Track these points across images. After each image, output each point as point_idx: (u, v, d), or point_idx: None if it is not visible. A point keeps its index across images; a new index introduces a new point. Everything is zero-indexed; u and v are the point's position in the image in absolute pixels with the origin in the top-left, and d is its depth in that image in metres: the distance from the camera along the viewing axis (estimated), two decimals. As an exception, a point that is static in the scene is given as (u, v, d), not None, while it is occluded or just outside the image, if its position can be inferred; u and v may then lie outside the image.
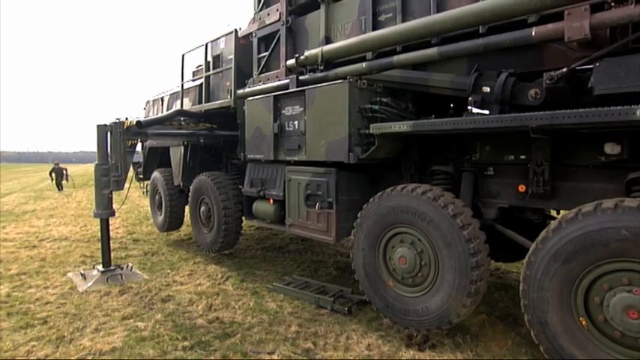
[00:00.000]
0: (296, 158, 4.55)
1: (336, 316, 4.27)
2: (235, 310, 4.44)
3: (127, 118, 5.70)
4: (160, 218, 8.03)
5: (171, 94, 8.22)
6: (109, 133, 5.60)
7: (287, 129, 4.65)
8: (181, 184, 7.25)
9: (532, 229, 3.51)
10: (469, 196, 3.63)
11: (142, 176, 9.03)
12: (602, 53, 2.81)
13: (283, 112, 4.70)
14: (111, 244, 5.95)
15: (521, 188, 3.43)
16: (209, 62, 6.73)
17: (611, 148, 2.97)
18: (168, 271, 5.94)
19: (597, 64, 2.80)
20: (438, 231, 3.30)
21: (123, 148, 5.58)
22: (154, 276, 5.68)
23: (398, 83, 4.08)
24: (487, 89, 3.43)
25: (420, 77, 3.89)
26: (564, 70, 2.94)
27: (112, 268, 5.57)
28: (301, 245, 7.43)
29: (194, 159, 7.06)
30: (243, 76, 6.03)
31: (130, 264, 6.01)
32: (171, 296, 4.86)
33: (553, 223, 2.78)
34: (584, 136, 3.10)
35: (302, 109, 4.42)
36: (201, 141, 6.61)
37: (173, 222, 7.80)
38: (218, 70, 6.43)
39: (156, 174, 8.16)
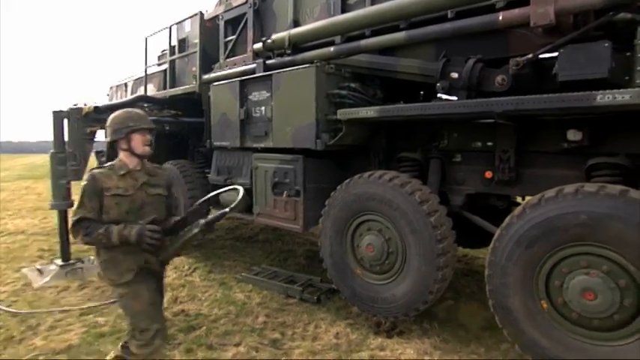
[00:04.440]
0: (263, 145, 4.42)
1: (304, 306, 4.22)
2: (201, 302, 4.31)
3: (85, 104, 5.40)
4: (125, 209, 7.72)
5: (135, 80, 7.87)
6: (66, 120, 5.28)
7: (253, 115, 4.51)
8: (146, 173, 6.97)
9: (499, 216, 3.54)
10: (436, 183, 3.63)
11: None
12: (565, 40, 2.82)
13: (250, 97, 4.55)
14: (71, 237, 5.66)
15: (488, 175, 3.44)
16: (174, 46, 6.46)
17: (573, 135, 3.01)
18: (133, 263, 5.72)
19: (561, 51, 2.81)
20: (405, 218, 3.28)
21: (81, 135, 5.29)
22: (117, 269, 5.45)
23: (366, 69, 4.00)
24: (455, 75, 3.39)
25: (387, 62, 3.83)
26: (530, 56, 2.94)
27: (72, 261, 5.30)
28: (271, 235, 7.32)
29: (159, 147, 6.76)
30: (209, 61, 5.81)
31: (93, 257, 5.75)
32: (135, 289, 4.67)
33: (517, 209, 2.81)
34: (548, 123, 3.13)
35: (269, 94, 4.28)
36: (167, 128, 6.37)
37: (139, 212, 7.51)
38: (183, 54, 6.17)
39: (119, 163, 7.82)
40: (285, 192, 4.16)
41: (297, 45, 4.31)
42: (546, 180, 3.14)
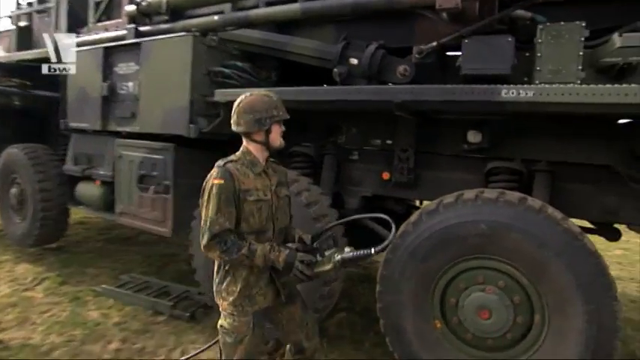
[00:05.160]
0: (128, 129, 3.60)
1: (175, 324, 3.52)
2: (35, 327, 3.35)
3: None
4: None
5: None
6: None
7: (119, 92, 3.66)
8: (-15, 158, 5.54)
9: (398, 221, 3.25)
10: (330, 183, 3.19)
11: None
12: (470, 30, 2.55)
13: (115, 69, 3.70)
14: None
15: (385, 176, 3.10)
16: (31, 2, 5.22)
17: (473, 136, 2.80)
18: (-50, 276, 4.41)
19: (466, 42, 2.54)
20: (290, 223, 2.78)
21: None
22: None
23: (257, 46, 3.42)
24: (355, 61, 3.00)
25: (281, 41, 3.29)
26: (434, 44, 2.63)
27: None
28: (154, 236, 6.37)
29: (4, 126, 5.41)
30: (78, 24, 4.75)
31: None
32: None
33: (413, 216, 2.47)
34: (449, 122, 2.89)
35: (138, 67, 3.48)
36: (16, 103, 5.08)
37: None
38: (37, 7, 4.98)
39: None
40: (153, 187, 3.40)
41: (177, 10, 3.58)
42: (446, 183, 2.89)
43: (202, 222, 1.83)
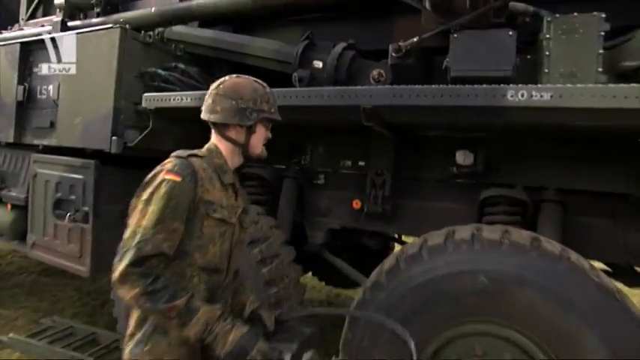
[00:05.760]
0: (46, 142, 2.95)
1: (95, 387, 2.80)
2: None
3: None
4: None
5: None
6: None
7: (38, 97, 3.03)
8: None
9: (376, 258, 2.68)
10: (289, 213, 2.58)
11: None
12: (459, 22, 2.04)
13: (35, 70, 3.07)
14: None
15: (356, 204, 2.51)
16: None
17: (463, 157, 2.25)
18: None
19: (455, 36, 2.02)
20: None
21: None
22: None
23: (207, 47, 2.85)
24: (319, 64, 2.47)
25: (234, 42, 2.74)
26: (414, 39, 2.10)
27: None
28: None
29: None
30: (10, 20, 4.20)
31: None
32: None
33: (388, 262, 1.86)
34: (436, 139, 2.35)
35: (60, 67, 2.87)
36: None
37: None
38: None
39: None
40: (70, 214, 2.72)
41: (112, 2, 3.01)
42: (430, 216, 2.34)
43: (129, 232, 1.20)
